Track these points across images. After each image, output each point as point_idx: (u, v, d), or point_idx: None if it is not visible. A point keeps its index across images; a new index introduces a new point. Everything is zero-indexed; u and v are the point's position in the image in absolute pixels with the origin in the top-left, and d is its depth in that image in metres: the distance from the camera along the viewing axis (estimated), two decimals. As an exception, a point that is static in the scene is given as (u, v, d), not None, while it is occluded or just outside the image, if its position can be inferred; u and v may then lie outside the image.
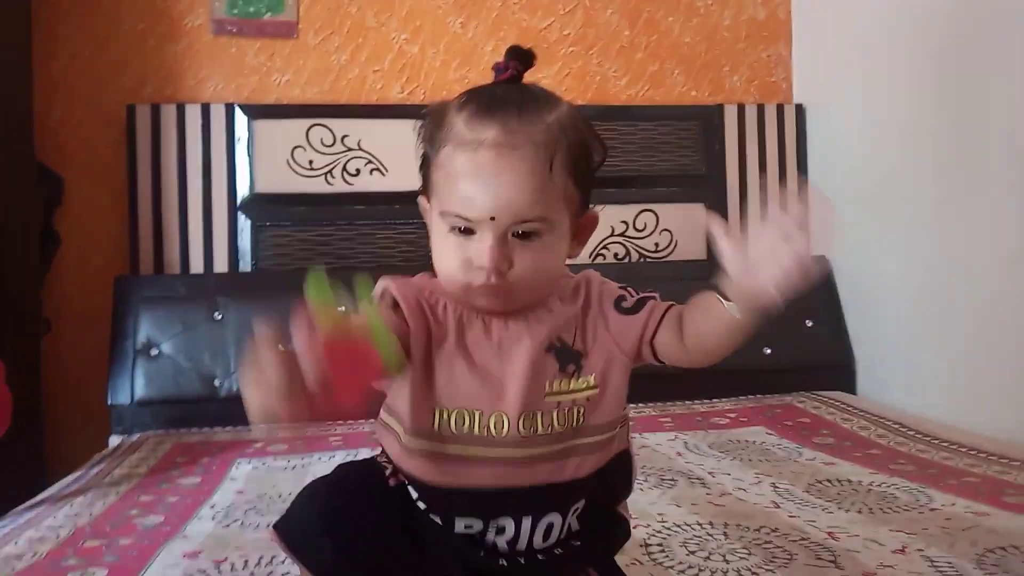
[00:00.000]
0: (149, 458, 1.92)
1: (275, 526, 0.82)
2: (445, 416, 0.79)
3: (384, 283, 0.80)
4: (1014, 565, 1.15)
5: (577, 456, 0.81)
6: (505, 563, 0.81)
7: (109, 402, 2.20)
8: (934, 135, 2.19)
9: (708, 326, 0.79)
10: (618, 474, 0.87)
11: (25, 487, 1.74)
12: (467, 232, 0.76)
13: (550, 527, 0.82)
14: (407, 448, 0.80)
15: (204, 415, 2.21)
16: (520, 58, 0.80)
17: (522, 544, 0.82)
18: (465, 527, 0.80)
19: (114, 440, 2.14)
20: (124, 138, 2.42)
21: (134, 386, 2.20)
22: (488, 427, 0.78)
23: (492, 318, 0.80)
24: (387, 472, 0.84)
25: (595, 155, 0.81)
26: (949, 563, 1.17)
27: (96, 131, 2.44)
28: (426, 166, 0.81)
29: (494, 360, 0.79)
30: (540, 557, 0.82)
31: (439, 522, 0.81)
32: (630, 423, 0.89)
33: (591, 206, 0.83)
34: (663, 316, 0.82)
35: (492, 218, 0.74)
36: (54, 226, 2.40)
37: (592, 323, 0.82)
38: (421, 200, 0.85)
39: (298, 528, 0.80)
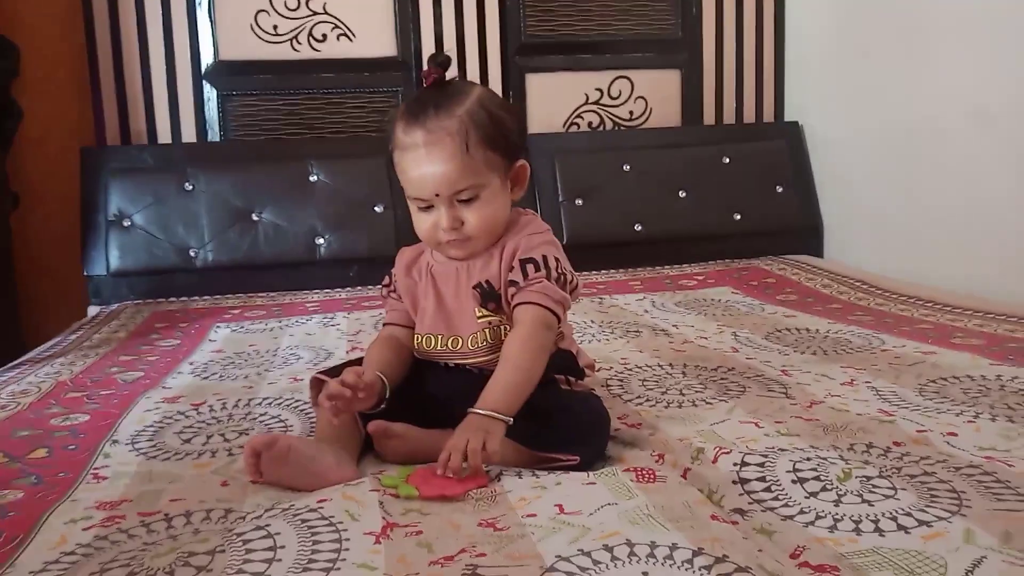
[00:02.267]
0: (128, 324, 1.96)
1: (317, 372, 1.12)
2: (421, 338, 1.10)
3: (394, 268, 1.16)
4: (952, 392, 1.22)
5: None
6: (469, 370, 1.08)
7: (85, 273, 2.21)
8: (905, 1, 2.15)
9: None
10: (559, 360, 1.08)
11: (3, 358, 1.77)
12: (428, 208, 1.04)
13: None
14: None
15: (181, 285, 2.24)
16: (440, 64, 1.04)
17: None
18: (443, 364, 1.11)
19: (92, 310, 2.16)
20: (79, 3, 2.32)
21: (108, 257, 2.21)
22: (447, 344, 1.08)
23: (451, 267, 1.08)
24: None
25: (508, 124, 1.05)
26: (893, 392, 1.23)
27: (49, -3, 2.34)
28: (391, 166, 1.07)
29: (451, 299, 1.08)
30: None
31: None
32: (566, 331, 1.12)
33: (519, 161, 1.07)
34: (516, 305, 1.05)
35: (437, 194, 1.02)
36: (13, 98, 2.34)
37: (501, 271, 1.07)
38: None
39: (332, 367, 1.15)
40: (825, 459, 0.95)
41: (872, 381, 1.29)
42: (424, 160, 1.00)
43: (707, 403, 1.20)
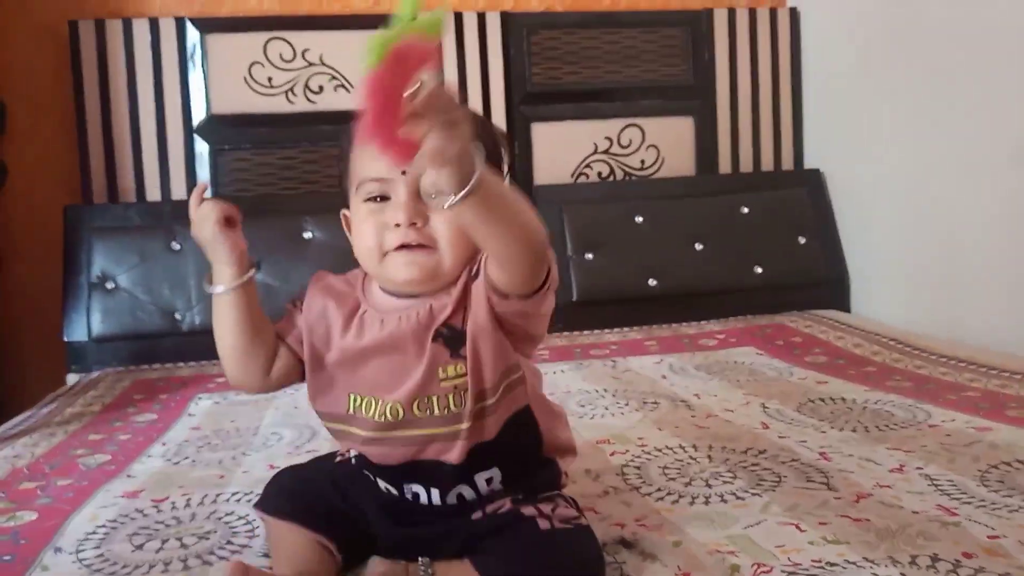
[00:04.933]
0: (105, 396, 1.82)
1: (255, 504, 0.94)
2: (357, 401, 0.84)
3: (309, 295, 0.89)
4: (1019, 481, 1.06)
5: (461, 440, 0.82)
6: (420, 499, 0.86)
7: (65, 339, 2.09)
8: (931, 39, 2.03)
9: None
10: (521, 433, 0.86)
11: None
12: (383, 199, 0.80)
13: (461, 496, 0.85)
14: (332, 430, 0.89)
15: (165, 350, 2.10)
16: None
17: (439, 504, 0.86)
18: (384, 488, 0.88)
19: (72, 379, 2.03)
20: (67, 57, 2.24)
21: (90, 322, 2.08)
22: (385, 413, 0.81)
23: (391, 312, 0.82)
24: (338, 456, 0.96)
25: (497, 138, 0.85)
26: (950, 481, 1.07)
27: (37, 50, 2.27)
28: (345, 171, 0.85)
29: (392, 353, 0.82)
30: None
31: (373, 480, 0.89)
32: (527, 383, 0.86)
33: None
34: (484, 258, 0.80)
35: (403, 172, 0.77)
36: (-1, 155, 2.25)
37: (468, 301, 0.81)
38: (343, 215, 0.88)
39: (263, 497, 0.93)
40: (886, 581, 0.79)
41: (924, 467, 1.13)
42: None
43: (737, 498, 1.05)
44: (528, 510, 0.81)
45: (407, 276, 0.80)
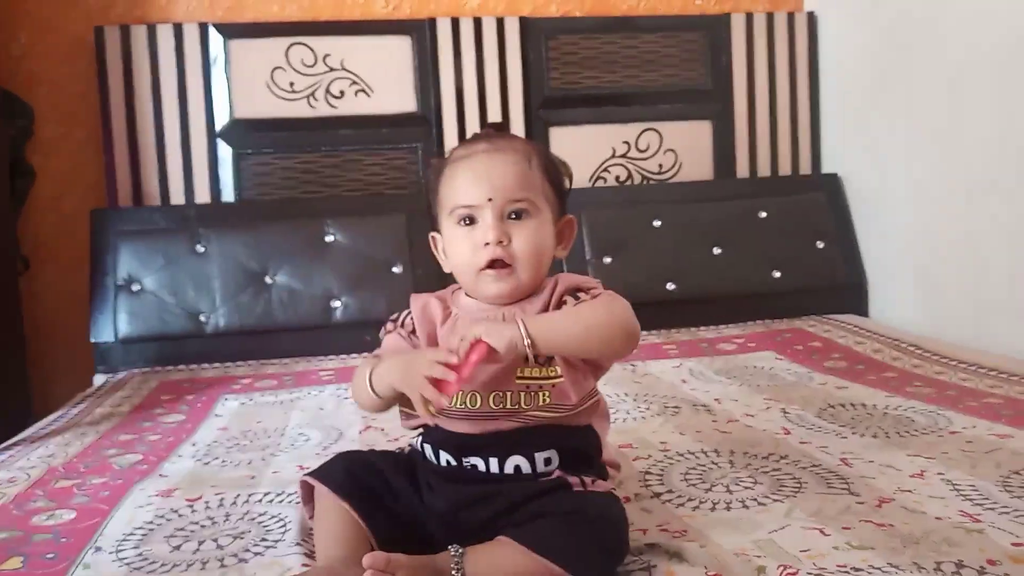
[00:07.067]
0: (133, 397, 1.85)
1: (305, 475, 0.97)
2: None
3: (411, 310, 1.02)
4: (1043, 488, 1.07)
5: (526, 426, 0.94)
6: (478, 468, 0.94)
7: (92, 340, 2.13)
8: (948, 42, 2.04)
9: None
10: (584, 439, 0.98)
11: (11, 429, 1.67)
12: (471, 222, 0.94)
13: (518, 468, 0.93)
14: (410, 413, 0.97)
15: (190, 352, 2.14)
16: (496, 127, 1.02)
17: (496, 473, 0.94)
18: (445, 461, 0.96)
19: (99, 379, 2.07)
20: (93, 63, 2.28)
21: (117, 323, 2.12)
22: (466, 402, 0.93)
23: (476, 315, 0.96)
24: (396, 450, 1.06)
25: (562, 172, 1.00)
26: (972, 486, 1.09)
27: (64, 57, 2.31)
28: (433, 200, 0.99)
29: None
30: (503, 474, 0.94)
31: (432, 459, 0.97)
32: (602, 405, 1.01)
33: (568, 215, 1.00)
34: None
35: (490, 199, 0.93)
36: (27, 159, 2.29)
37: None
38: (432, 238, 1.02)
39: (322, 466, 0.98)
40: (911, 586, 0.80)
41: (945, 472, 1.14)
42: (483, 162, 0.95)
43: (760, 503, 1.06)
44: (572, 479, 0.91)
45: (496, 292, 0.95)
